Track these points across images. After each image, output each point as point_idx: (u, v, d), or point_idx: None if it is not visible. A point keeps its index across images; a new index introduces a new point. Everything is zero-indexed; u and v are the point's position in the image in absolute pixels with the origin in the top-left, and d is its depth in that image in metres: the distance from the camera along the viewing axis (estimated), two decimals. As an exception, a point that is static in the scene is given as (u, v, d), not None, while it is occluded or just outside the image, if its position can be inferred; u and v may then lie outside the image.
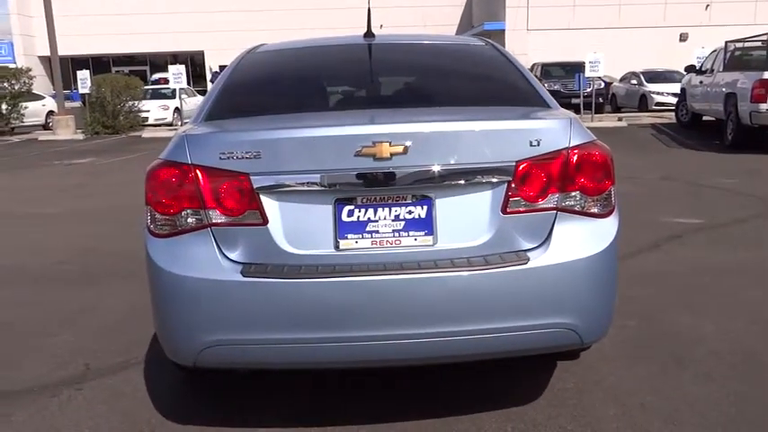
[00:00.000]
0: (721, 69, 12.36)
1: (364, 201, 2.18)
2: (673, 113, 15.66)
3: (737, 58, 12.39)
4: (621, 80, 20.70)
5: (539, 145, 2.18)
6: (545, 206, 2.21)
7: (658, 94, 18.19)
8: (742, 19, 25.64)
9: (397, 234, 2.18)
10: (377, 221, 2.18)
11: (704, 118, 13.75)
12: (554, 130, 2.22)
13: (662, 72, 19.48)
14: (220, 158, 2.15)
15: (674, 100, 16.25)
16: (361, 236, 2.17)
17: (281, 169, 2.14)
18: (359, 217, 2.18)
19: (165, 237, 2.23)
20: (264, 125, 2.34)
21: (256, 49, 3.24)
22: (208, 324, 2.16)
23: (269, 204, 2.16)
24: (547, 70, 19.93)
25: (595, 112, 16.74)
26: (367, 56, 3.02)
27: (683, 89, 14.78)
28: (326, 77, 2.96)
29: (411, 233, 2.18)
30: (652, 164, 9.52)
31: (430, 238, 2.18)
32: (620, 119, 16.67)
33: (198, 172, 2.17)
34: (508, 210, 2.18)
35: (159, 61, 37.58)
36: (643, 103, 18.66)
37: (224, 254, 2.18)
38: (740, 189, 7.34)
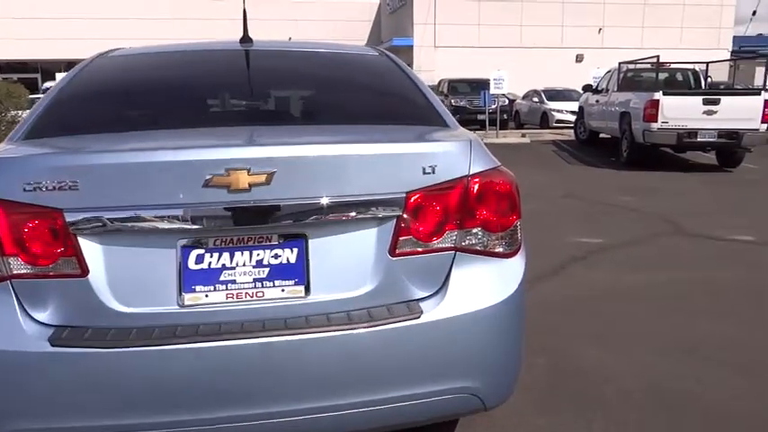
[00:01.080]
0: (615, 89, 12.74)
1: (217, 243, 1.71)
2: (572, 130, 16.09)
3: (630, 78, 12.84)
4: (524, 98, 21.20)
5: (433, 172, 1.80)
6: (441, 246, 1.83)
7: (558, 111, 18.70)
8: (631, 43, 27.09)
9: (259, 284, 1.73)
10: (234, 269, 1.72)
11: (601, 135, 14.15)
12: (451, 155, 1.85)
13: (561, 90, 20.09)
14: (25, 190, 1.62)
15: (572, 118, 16.71)
16: (213, 288, 1.70)
17: (106, 204, 1.64)
18: (210, 264, 1.71)
19: (-50, 293, 1.67)
20: (86, 146, 1.83)
21: (108, 53, 2.69)
22: (4, 410, 1.61)
23: (90, 249, 1.65)
24: (453, 86, 20.06)
25: (500, 128, 16.94)
26: (239, 64, 2.55)
27: (580, 107, 15.18)
28: (184, 88, 2.46)
29: (278, 282, 1.73)
30: (555, 180, 9.55)
31: (301, 288, 1.74)
32: (523, 135, 16.96)
33: None
34: (397, 251, 1.78)
35: (53, 69, 35.07)
36: (544, 120, 19.14)
37: (29, 315, 1.64)
38: (638, 207, 7.39)
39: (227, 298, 1.71)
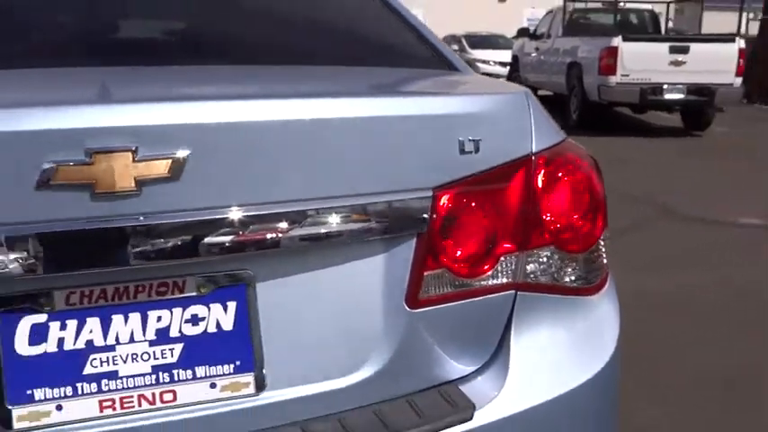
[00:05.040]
0: (560, 34, 12.69)
1: (74, 302, 1.07)
2: (504, 86, 15.98)
3: (577, 21, 12.84)
4: (441, 45, 20.97)
5: (477, 150, 1.24)
6: (493, 283, 1.28)
7: (485, 62, 18.63)
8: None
9: (165, 376, 1.10)
10: (111, 350, 1.08)
11: (540, 92, 14.13)
12: (504, 118, 1.30)
13: (487, 36, 20.08)
14: None
15: (503, 70, 16.68)
16: (72, 390, 1.06)
17: None
18: (62, 343, 1.06)
19: None
20: None
21: None
22: None
23: None
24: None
25: (414, 84, 16.60)
26: None
27: (515, 57, 15.14)
28: None
29: (201, 371, 1.12)
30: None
31: (249, 377, 1.13)
32: (443, 92, 16.71)
33: None
34: (422, 297, 1.22)
35: None
36: (467, 73, 18.99)
37: None
38: (608, 182, 7.18)
39: (101, 410, 1.07)
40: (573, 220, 1.36)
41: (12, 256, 0.99)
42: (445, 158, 1.22)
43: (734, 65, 10.46)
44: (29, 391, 1.04)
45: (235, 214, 1.08)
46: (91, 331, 1.07)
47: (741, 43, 10.62)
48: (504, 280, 1.29)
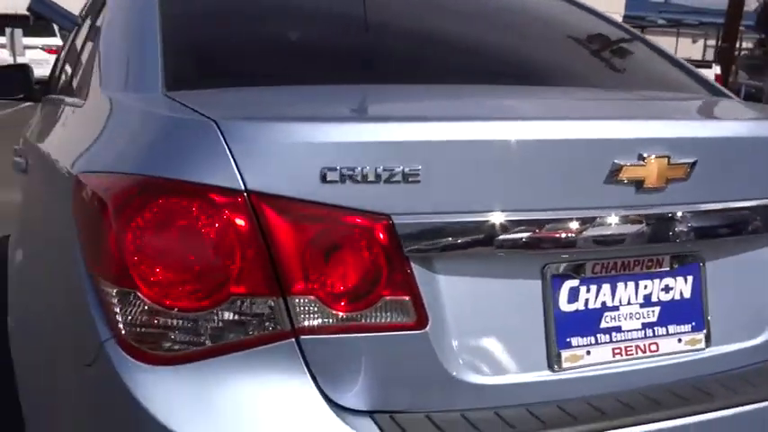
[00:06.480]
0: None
1: (596, 271, 1.39)
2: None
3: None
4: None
5: None
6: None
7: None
8: None
9: (650, 332, 1.43)
10: (616, 309, 1.41)
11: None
12: None
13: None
14: (326, 180, 1.16)
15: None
16: (594, 339, 1.38)
17: (456, 207, 1.24)
18: (587, 302, 1.38)
19: (174, 363, 1.17)
20: (414, 108, 1.42)
21: None
22: None
23: (428, 284, 1.24)
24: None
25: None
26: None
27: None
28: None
29: (672, 328, 1.45)
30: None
31: (701, 335, 1.47)
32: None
33: (267, 212, 1.16)
34: None
35: None
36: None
37: (328, 398, 1.21)
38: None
39: (613, 355, 1.38)
40: None
41: (571, 234, 1.30)
42: None
43: (710, 90, 11.21)
44: (568, 339, 1.35)
45: (708, 208, 1.42)
46: (604, 294, 1.39)
47: (717, 69, 11.39)
48: None
